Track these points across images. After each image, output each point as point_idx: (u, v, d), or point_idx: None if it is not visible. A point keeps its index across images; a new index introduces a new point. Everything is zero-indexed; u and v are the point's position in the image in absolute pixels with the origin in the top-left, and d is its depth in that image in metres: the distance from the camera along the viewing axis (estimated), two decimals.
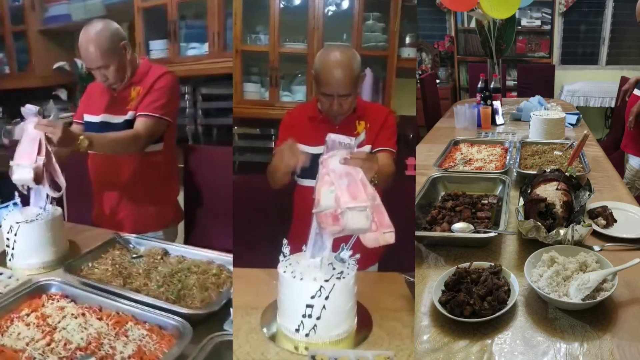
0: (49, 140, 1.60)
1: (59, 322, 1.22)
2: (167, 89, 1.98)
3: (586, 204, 1.60)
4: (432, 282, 1.27)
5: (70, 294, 1.36)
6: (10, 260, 1.59)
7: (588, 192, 1.61)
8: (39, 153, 1.58)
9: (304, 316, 1.12)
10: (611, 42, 5.61)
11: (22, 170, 1.57)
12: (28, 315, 1.26)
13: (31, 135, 1.60)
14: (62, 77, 3.73)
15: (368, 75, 2.87)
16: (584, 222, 1.44)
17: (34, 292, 1.37)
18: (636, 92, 2.80)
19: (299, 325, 1.13)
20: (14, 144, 1.63)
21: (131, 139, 1.90)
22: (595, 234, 1.52)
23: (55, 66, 3.66)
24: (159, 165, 2.07)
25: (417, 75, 4.76)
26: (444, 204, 1.78)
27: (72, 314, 1.26)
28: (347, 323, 1.17)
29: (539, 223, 1.41)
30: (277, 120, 2.91)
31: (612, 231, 1.55)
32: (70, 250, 1.71)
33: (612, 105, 5.22)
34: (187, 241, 2.26)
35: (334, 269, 1.15)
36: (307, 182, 1.75)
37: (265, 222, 1.93)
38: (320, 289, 1.10)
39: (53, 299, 1.34)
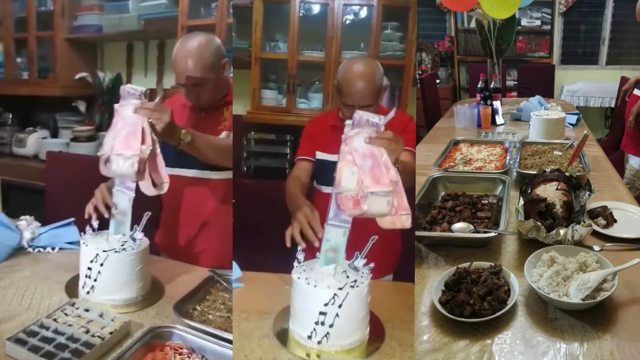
0: (152, 127, 1.39)
1: None
2: None
3: (586, 204, 1.60)
4: (432, 282, 1.27)
5: (196, 346, 1.16)
6: (88, 292, 1.36)
7: (588, 192, 1.61)
8: (142, 142, 1.37)
9: (316, 323, 1.11)
10: (611, 42, 5.61)
11: (123, 162, 1.35)
12: None
13: (129, 121, 1.38)
14: (83, 89, 3.60)
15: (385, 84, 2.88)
16: (584, 222, 1.44)
17: (153, 340, 1.16)
18: (636, 92, 2.80)
19: (311, 332, 1.12)
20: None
21: (230, 149, 1.72)
22: (595, 234, 1.52)
23: (77, 77, 3.52)
24: None
25: (417, 75, 4.75)
26: (444, 204, 1.78)
27: None
28: (360, 332, 1.16)
29: (539, 223, 1.41)
30: (293, 127, 3.02)
31: (612, 231, 1.55)
32: (151, 286, 1.46)
33: (612, 105, 5.21)
34: None
35: (347, 277, 1.15)
36: (326, 189, 1.72)
37: (280, 227, 1.92)
38: (333, 297, 1.10)
39: (181, 353, 1.14)
